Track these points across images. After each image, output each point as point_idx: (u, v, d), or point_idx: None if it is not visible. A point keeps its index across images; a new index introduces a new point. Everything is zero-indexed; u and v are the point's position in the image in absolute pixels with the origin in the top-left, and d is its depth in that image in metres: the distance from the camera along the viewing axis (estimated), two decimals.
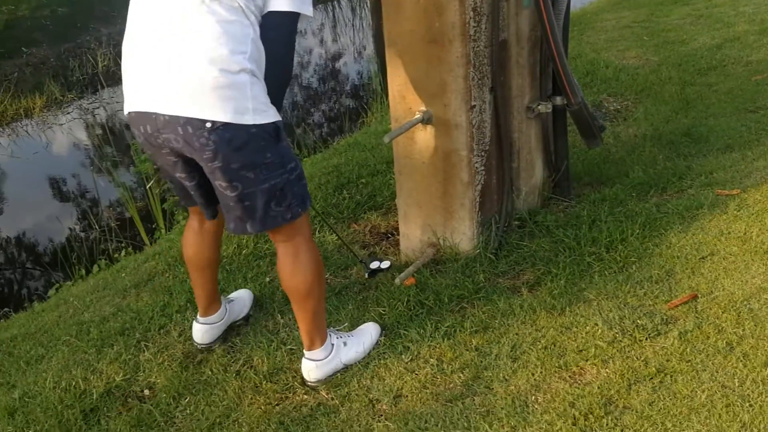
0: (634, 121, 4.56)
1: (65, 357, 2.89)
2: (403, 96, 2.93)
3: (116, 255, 4.92)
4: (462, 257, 3.04)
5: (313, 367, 2.49)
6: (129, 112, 2.20)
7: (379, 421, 2.28)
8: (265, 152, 2.17)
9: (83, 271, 4.77)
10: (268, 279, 3.23)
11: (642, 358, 2.31)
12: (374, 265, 3.11)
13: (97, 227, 5.99)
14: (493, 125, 2.98)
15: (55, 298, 3.71)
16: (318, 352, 2.49)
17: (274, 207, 2.24)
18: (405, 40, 2.83)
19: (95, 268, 4.67)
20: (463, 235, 3.04)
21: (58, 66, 11.31)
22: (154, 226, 5.45)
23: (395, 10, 2.81)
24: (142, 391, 2.64)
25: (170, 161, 2.26)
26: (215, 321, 2.78)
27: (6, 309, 4.48)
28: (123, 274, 3.65)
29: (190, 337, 2.83)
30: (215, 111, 2.07)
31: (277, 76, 2.24)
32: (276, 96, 2.26)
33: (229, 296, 2.98)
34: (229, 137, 2.09)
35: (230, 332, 2.85)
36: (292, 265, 2.36)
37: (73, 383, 2.68)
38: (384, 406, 2.35)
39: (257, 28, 2.13)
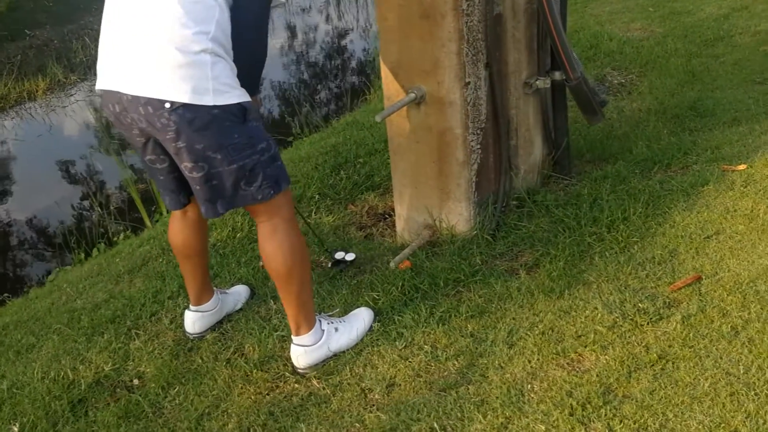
0: (639, 95, 4.44)
1: (55, 346, 2.83)
2: (395, 74, 2.83)
3: (115, 239, 4.86)
4: (459, 239, 2.96)
5: (301, 352, 2.43)
6: (98, 90, 2.19)
7: (371, 412, 2.22)
8: (231, 133, 2.12)
9: (82, 256, 4.72)
10: (261, 263, 3.16)
11: (643, 344, 2.23)
12: (339, 255, 3.02)
13: (99, 210, 5.93)
14: (489, 102, 2.88)
15: (50, 285, 3.65)
16: (305, 338, 2.42)
17: (244, 186, 2.20)
18: (396, 16, 2.73)
19: (94, 252, 4.61)
20: (460, 216, 2.95)
21: (61, 48, 11.22)
22: (154, 209, 5.39)
23: None
24: (131, 380, 2.58)
25: (140, 142, 2.24)
26: (208, 309, 2.71)
27: (6, 294, 4.43)
28: (117, 259, 3.60)
29: (182, 325, 2.77)
30: (174, 91, 2.03)
31: (248, 58, 2.21)
32: (249, 78, 2.22)
33: (225, 289, 2.91)
34: (189, 118, 2.06)
35: (222, 320, 2.79)
36: (270, 245, 2.31)
37: (62, 373, 2.62)
38: (376, 396, 2.29)
39: (225, 10, 2.08)
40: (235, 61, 2.14)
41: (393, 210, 3.34)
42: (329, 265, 3.01)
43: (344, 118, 5.42)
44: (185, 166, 2.16)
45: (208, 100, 2.05)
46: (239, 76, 2.15)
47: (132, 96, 2.07)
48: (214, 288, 2.78)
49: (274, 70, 8.84)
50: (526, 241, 2.93)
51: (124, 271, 3.39)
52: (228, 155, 2.13)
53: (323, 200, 3.69)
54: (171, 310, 2.91)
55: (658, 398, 2.01)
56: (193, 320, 2.71)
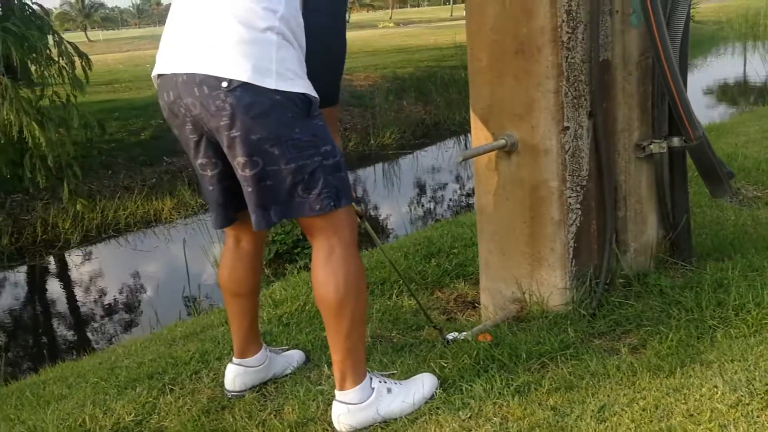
0: None
1: (85, 396, 2.55)
2: (485, 120, 2.54)
3: None
4: (551, 314, 2.51)
5: (344, 411, 2.01)
6: (154, 77, 2.00)
7: None
8: (292, 126, 1.85)
9: None
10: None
11: None
12: (451, 336, 2.56)
13: (195, 313, 5.83)
14: (592, 158, 2.51)
15: (105, 349, 3.42)
16: (350, 393, 2.02)
17: (301, 193, 1.90)
18: (488, 53, 2.47)
19: None
20: (554, 288, 2.52)
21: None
22: None
23: (479, 20, 2.48)
24: None
25: (193, 140, 1.99)
26: (252, 365, 2.37)
27: None
28: (179, 328, 3.34)
29: (223, 384, 2.42)
30: (232, 68, 1.81)
31: (324, 51, 1.97)
32: (326, 79, 1.98)
33: (277, 349, 2.58)
34: (248, 102, 1.81)
35: (266, 381, 2.43)
36: (324, 268, 1.97)
37: (80, 421, 2.32)
38: None
39: None
40: (309, 57, 1.93)
41: None
42: (441, 346, 2.52)
43: (446, 219, 5.12)
44: (238, 162, 1.89)
45: (270, 83, 1.82)
46: (315, 78, 1.92)
47: (187, 75, 1.86)
48: (263, 344, 2.44)
49: (399, 223, 8.68)
50: (633, 320, 2.44)
51: (180, 336, 3.12)
52: (287, 152, 1.86)
53: (409, 284, 3.33)
54: (215, 370, 2.58)
55: None
56: (234, 375, 2.36)
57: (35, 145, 7.26)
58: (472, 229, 4.05)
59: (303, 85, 1.88)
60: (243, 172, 1.90)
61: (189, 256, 7.78)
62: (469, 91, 2.57)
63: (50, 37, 7.77)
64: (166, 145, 12.62)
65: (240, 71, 1.81)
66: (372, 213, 9.44)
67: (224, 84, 1.81)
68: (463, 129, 13.40)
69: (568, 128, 2.40)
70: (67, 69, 7.65)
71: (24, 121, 7.12)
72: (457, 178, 10.92)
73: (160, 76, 1.96)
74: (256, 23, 1.81)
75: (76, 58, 7.76)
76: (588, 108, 2.46)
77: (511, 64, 2.42)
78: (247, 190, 1.93)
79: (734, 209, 3.83)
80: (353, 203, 2.06)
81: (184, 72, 1.87)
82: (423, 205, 9.80)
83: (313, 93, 1.90)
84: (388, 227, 8.63)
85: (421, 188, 10.66)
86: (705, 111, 12.30)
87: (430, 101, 15.24)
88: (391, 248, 3.92)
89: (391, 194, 10.41)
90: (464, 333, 2.54)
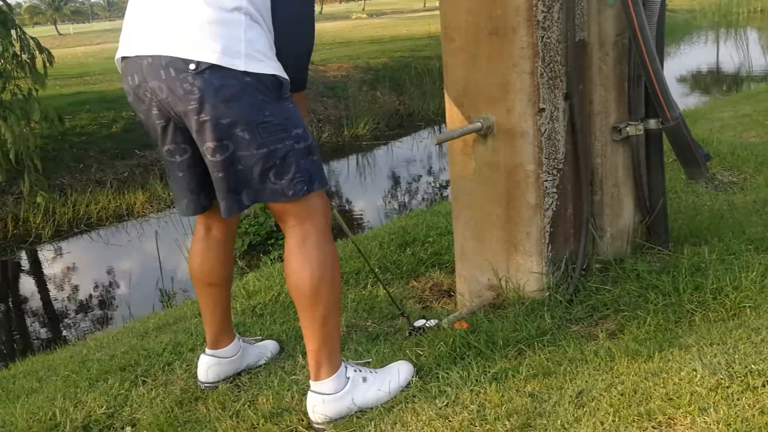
0: (754, 190, 3.92)
1: (55, 389, 2.48)
2: (460, 104, 2.50)
3: None
4: (527, 300, 2.49)
5: (318, 402, 1.97)
6: (117, 60, 1.92)
7: None
8: (263, 109, 1.79)
9: None
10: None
11: (757, 407, 1.66)
12: (419, 323, 2.53)
13: (168, 305, 5.74)
14: (568, 141, 2.48)
15: (76, 342, 3.35)
16: (326, 383, 1.97)
17: (273, 178, 1.84)
18: (463, 34, 2.43)
19: None
20: (530, 274, 2.49)
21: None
22: None
23: (453, 1, 2.43)
24: (123, 427, 2.18)
25: (160, 126, 1.92)
26: (225, 356, 2.32)
27: None
28: (151, 320, 3.28)
29: (195, 375, 2.37)
30: (200, 50, 1.75)
31: (290, 36, 1.91)
32: (293, 63, 1.91)
33: (251, 339, 2.53)
34: (217, 85, 1.75)
35: (240, 372, 2.38)
36: (297, 255, 1.92)
37: (50, 414, 2.26)
38: None
39: None
40: (277, 40, 1.87)
41: None
42: (407, 334, 2.52)
43: (420, 209, 5.09)
44: (207, 147, 1.83)
45: (239, 64, 1.76)
46: (283, 62, 1.87)
47: (152, 57, 1.79)
48: (236, 335, 2.39)
49: (374, 214, 8.62)
50: (610, 305, 2.42)
51: (153, 328, 3.06)
52: (258, 135, 1.80)
53: (383, 274, 3.29)
54: (188, 361, 2.53)
55: None
56: (207, 366, 2.31)
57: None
58: (447, 219, 4.02)
59: (273, 67, 1.83)
60: (212, 157, 1.85)
61: (162, 249, 7.67)
62: (443, 75, 2.52)
63: (13, 32, 7.63)
64: (137, 137, 12.45)
65: (208, 53, 1.75)
66: (346, 204, 9.39)
67: (192, 66, 1.75)
68: (438, 119, 13.35)
69: (543, 110, 2.37)
70: (29, 63, 7.54)
71: None
72: (432, 169, 10.87)
73: (123, 59, 1.90)
74: (223, 3, 1.76)
75: (37, 53, 7.65)
76: (564, 89, 2.43)
77: (485, 44, 2.38)
78: (217, 175, 1.87)
79: (710, 194, 3.83)
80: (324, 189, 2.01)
81: (149, 54, 1.80)
82: (398, 196, 9.74)
83: (284, 74, 1.85)
84: (363, 218, 8.58)
85: (396, 179, 10.60)
86: (679, 98, 12.35)
87: (404, 91, 15.18)
88: (365, 238, 3.88)
89: (365, 185, 10.36)
90: (432, 320, 2.51)
